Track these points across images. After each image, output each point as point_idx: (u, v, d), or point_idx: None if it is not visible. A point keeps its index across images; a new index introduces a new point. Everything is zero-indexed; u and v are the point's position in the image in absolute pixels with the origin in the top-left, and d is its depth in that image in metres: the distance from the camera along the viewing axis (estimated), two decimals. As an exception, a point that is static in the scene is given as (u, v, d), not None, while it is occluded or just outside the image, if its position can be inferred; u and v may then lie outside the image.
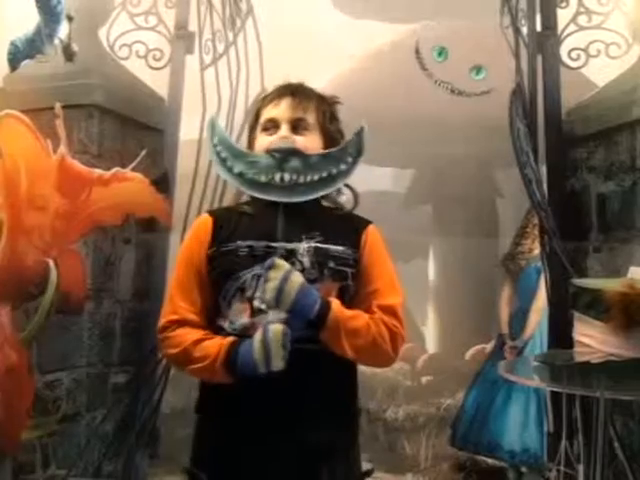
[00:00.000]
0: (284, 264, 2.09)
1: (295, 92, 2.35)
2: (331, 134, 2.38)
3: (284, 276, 2.06)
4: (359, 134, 2.31)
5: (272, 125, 2.31)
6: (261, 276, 2.12)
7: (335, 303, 2.14)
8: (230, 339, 2.13)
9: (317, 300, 2.09)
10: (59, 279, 3.81)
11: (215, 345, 2.13)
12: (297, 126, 2.30)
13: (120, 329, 4.65)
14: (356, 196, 2.40)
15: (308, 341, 2.10)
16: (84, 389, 4.33)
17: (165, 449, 4.75)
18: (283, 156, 2.23)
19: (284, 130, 2.28)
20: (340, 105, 2.45)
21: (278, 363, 2.01)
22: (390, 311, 2.24)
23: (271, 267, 2.08)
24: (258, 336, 2.04)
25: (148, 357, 4.38)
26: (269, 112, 2.33)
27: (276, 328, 2.03)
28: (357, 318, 2.17)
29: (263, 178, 2.23)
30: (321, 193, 2.29)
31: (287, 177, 2.22)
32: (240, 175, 2.26)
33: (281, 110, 2.31)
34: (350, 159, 2.29)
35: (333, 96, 2.45)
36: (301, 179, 2.23)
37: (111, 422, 4.40)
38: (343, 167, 2.28)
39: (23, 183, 3.70)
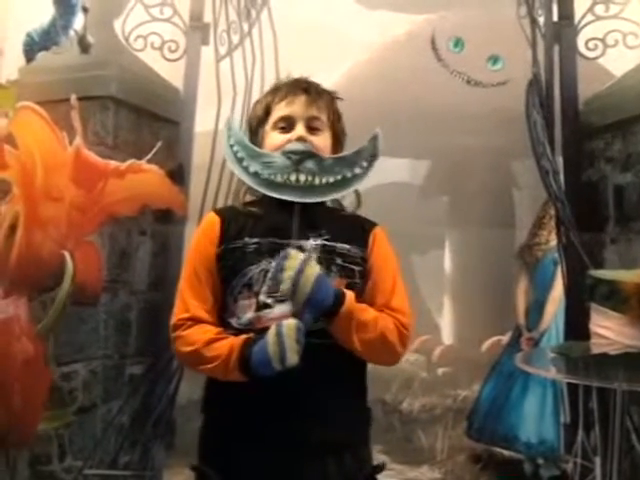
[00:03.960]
0: (298, 255, 2.07)
1: (308, 90, 2.33)
2: (338, 134, 2.39)
3: (299, 268, 2.04)
4: (374, 140, 2.31)
5: (286, 123, 2.30)
6: (268, 271, 2.12)
7: (349, 295, 2.13)
8: (242, 337, 2.11)
9: (332, 292, 2.08)
10: (75, 271, 3.83)
11: (227, 345, 2.11)
12: (312, 125, 2.30)
13: (136, 320, 4.65)
14: (359, 197, 2.40)
15: (316, 335, 2.08)
16: (100, 380, 4.34)
17: (181, 440, 4.75)
18: (299, 158, 2.23)
19: (300, 129, 2.27)
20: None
21: (293, 358, 1.98)
22: (397, 309, 2.24)
23: (286, 257, 2.06)
24: (272, 332, 2.02)
25: (164, 348, 4.38)
26: (282, 110, 2.31)
27: (289, 323, 2.01)
28: (367, 311, 2.17)
29: (279, 178, 2.22)
30: (336, 195, 2.29)
31: (302, 178, 2.22)
32: (255, 175, 2.26)
33: (296, 108, 2.29)
34: (365, 163, 2.29)
35: (335, 92, 2.44)
36: (316, 181, 2.23)
37: (127, 413, 4.41)
38: (358, 171, 2.28)
39: (39, 175, 3.72)
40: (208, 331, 2.18)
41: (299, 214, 2.23)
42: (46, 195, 3.76)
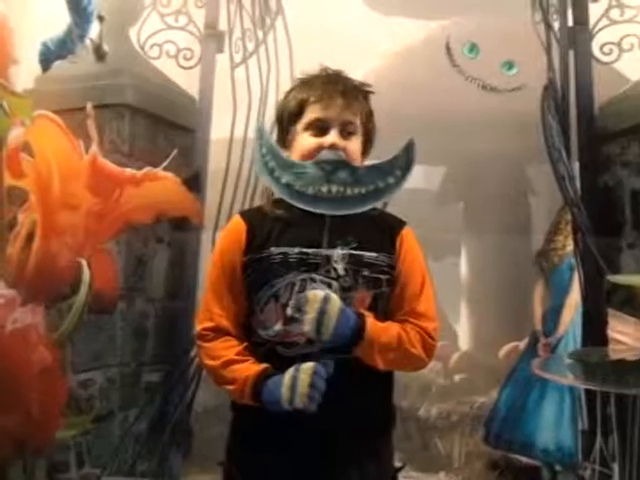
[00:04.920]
0: (318, 295, 2.05)
1: (345, 92, 2.26)
2: (370, 134, 2.34)
3: (321, 309, 2.02)
4: (409, 148, 2.24)
5: (320, 126, 2.25)
6: (294, 284, 2.12)
7: (369, 321, 2.11)
8: (259, 369, 2.11)
9: (354, 325, 2.07)
10: (92, 279, 3.83)
11: (244, 371, 2.12)
12: (345, 129, 2.25)
13: (153, 328, 4.66)
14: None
15: (341, 351, 2.08)
16: (117, 388, 4.35)
17: (198, 448, 4.76)
18: (331, 168, 2.18)
19: (334, 135, 2.22)
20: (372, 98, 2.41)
21: (302, 401, 1.99)
22: (422, 315, 2.22)
23: (306, 300, 2.04)
24: (289, 374, 2.03)
25: (181, 356, 4.40)
26: (317, 112, 2.25)
27: (307, 367, 2.02)
28: (388, 331, 2.15)
29: (310, 190, 2.18)
30: (368, 206, 2.23)
31: (334, 189, 2.18)
32: (287, 186, 2.21)
33: (332, 112, 2.24)
34: (399, 172, 2.23)
35: (366, 84, 2.37)
36: (348, 191, 2.19)
37: (144, 421, 4.42)
38: (391, 180, 2.22)
39: (55, 183, 3.72)
40: (230, 348, 2.18)
41: (329, 223, 2.19)
42: (63, 203, 3.77)
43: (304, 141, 2.26)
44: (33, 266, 3.67)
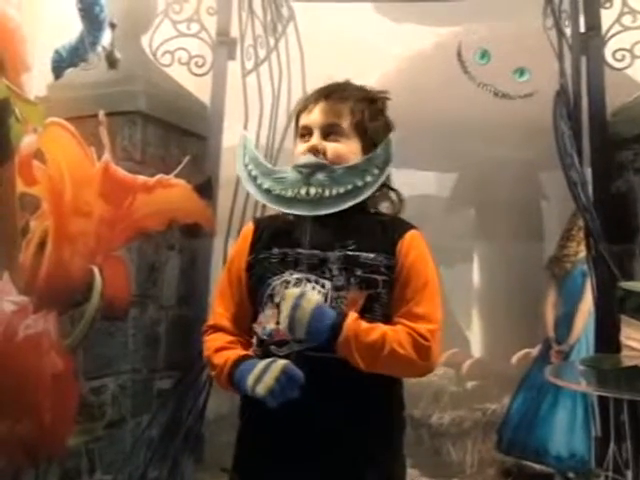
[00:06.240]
0: (293, 292, 2.08)
1: (329, 96, 2.31)
2: (371, 134, 2.32)
3: (294, 304, 2.05)
4: (386, 145, 2.25)
5: (307, 132, 2.30)
6: (289, 282, 2.15)
7: (349, 320, 2.08)
8: (240, 353, 2.19)
9: (330, 322, 2.06)
10: (103, 285, 3.84)
11: (226, 356, 2.19)
12: (330, 132, 2.28)
13: (164, 335, 4.66)
14: (401, 201, 2.36)
15: (325, 349, 2.08)
16: (129, 395, 4.35)
17: (210, 454, 4.76)
18: (309, 171, 2.22)
19: (315, 138, 2.27)
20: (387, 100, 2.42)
21: (262, 390, 2.01)
22: (418, 317, 2.15)
23: (284, 298, 2.08)
24: (263, 363, 2.06)
25: (193, 362, 4.39)
26: (304, 119, 2.33)
27: (279, 363, 2.03)
28: (372, 331, 2.10)
29: (289, 193, 2.22)
30: (347, 205, 2.23)
31: (312, 191, 2.20)
32: (268, 191, 2.26)
33: (313, 117, 2.29)
34: (376, 170, 2.24)
35: (380, 91, 2.40)
36: (326, 192, 2.20)
37: (156, 427, 4.41)
38: (369, 179, 2.23)
39: (68, 190, 3.74)
40: (222, 339, 2.27)
41: (313, 226, 2.22)
42: (75, 210, 3.78)
43: (297, 147, 2.34)
44: (45, 273, 3.68)
